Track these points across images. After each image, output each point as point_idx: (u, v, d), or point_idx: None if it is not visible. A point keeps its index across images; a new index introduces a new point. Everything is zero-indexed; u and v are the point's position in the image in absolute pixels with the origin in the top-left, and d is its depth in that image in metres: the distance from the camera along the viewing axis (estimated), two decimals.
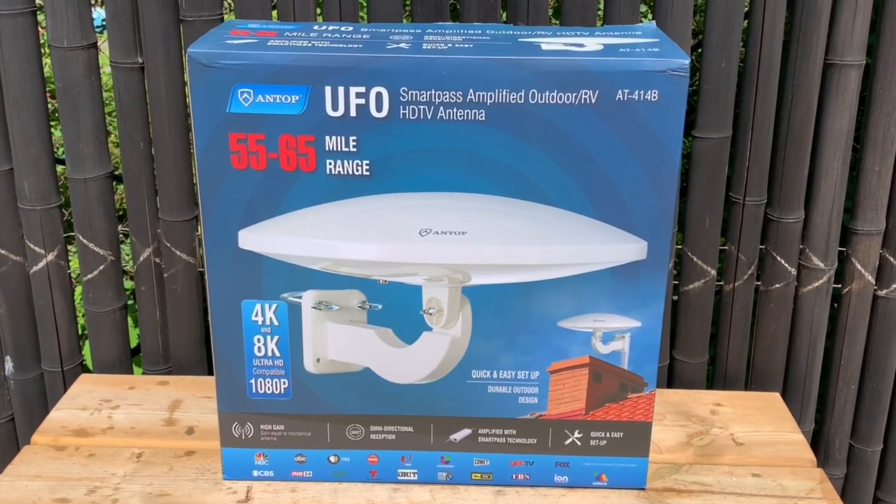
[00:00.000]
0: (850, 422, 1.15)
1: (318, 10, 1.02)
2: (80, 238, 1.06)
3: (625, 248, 0.77)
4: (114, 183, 1.06)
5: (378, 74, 0.72)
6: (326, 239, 0.76)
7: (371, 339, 0.80)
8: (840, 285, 1.11)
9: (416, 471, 0.85)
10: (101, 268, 1.07)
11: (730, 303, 1.09)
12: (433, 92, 0.72)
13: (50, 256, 1.07)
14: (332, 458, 0.85)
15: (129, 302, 1.15)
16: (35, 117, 1.01)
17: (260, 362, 0.81)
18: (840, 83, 1.00)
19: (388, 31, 0.79)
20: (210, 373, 1.10)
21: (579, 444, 0.84)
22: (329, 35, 0.77)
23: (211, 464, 0.88)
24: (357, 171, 0.74)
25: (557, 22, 1.06)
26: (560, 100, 0.72)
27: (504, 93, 0.72)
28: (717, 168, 1.03)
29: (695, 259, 1.06)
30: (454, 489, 0.85)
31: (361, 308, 0.79)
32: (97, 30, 1.04)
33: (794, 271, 1.08)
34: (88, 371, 1.15)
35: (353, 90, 0.72)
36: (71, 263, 1.11)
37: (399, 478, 0.86)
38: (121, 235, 1.31)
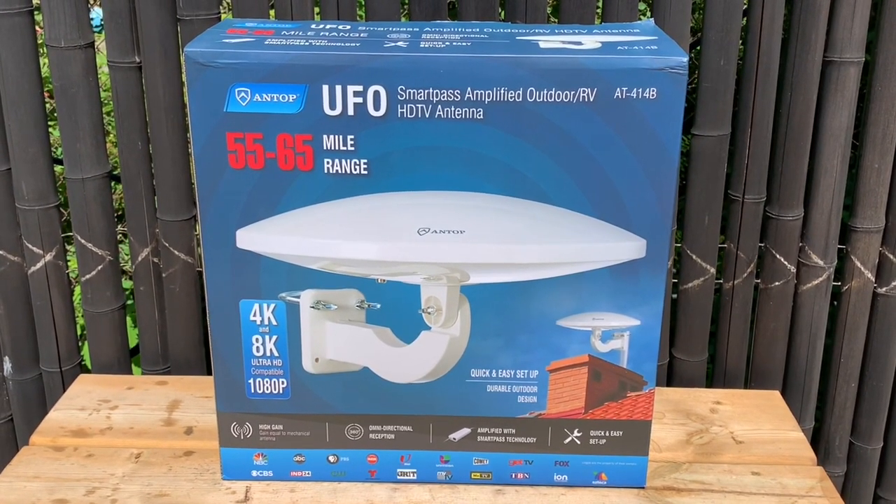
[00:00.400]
0: (851, 419, 1.15)
1: (316, 9, 1.02)
2: (79, 238, 1.05)
3: (624, 247, 0.76)
4: (112, 183, 1.06)
5: (376, 73, 0.71)
6: (324, 238, 0.76)
7: (370, 339, 0.80)
8: (840, 283, 1.11)
9: (415, 470, 0.85)
10: (100, 268, 1.07)
11: (729, 301, 1.09)
12: (431, 90, 0.72)
13: (48, 257, 1.06)
14: (332, 458, 0.85)
15: (128, 302, 1.15)
16: (33, 117, 1.01)
17: (258, 362, 0.81)
18: (839, 80, 1.00)
19: (386, 29, 0.79)
20: (209, 373, 1.10)
21: (579, 442, 0.84)
22: (326, 34, 0.77)
23: (210, 464, 0.88)
24: (355, 170, 0.74)
25: (556, 20, 1.06)
26: (558, 98, 0.72)
27: (502, 91, 0.72)
28: (716, 166, 1.03)
29: (694, 257, 1.06)
30: (453, 488, 0.85)
31: (360, 307, 0.79)
32: (95, 30, 1.04)
33: (793, 269, 1.07)
34: (88, 371, 1.15)
35: (351, 89, 0.72)
36: (69, 263, 1.11)
37: (398, 477, 0.85)
38: (119, 235, 1.30)
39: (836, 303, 1.12)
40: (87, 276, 1.07)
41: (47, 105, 1.07)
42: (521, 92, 0.72)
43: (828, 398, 1.14)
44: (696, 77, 1.02)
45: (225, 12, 1.69)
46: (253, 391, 0.82)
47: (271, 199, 0.75)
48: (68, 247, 1.18)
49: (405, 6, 1.26)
